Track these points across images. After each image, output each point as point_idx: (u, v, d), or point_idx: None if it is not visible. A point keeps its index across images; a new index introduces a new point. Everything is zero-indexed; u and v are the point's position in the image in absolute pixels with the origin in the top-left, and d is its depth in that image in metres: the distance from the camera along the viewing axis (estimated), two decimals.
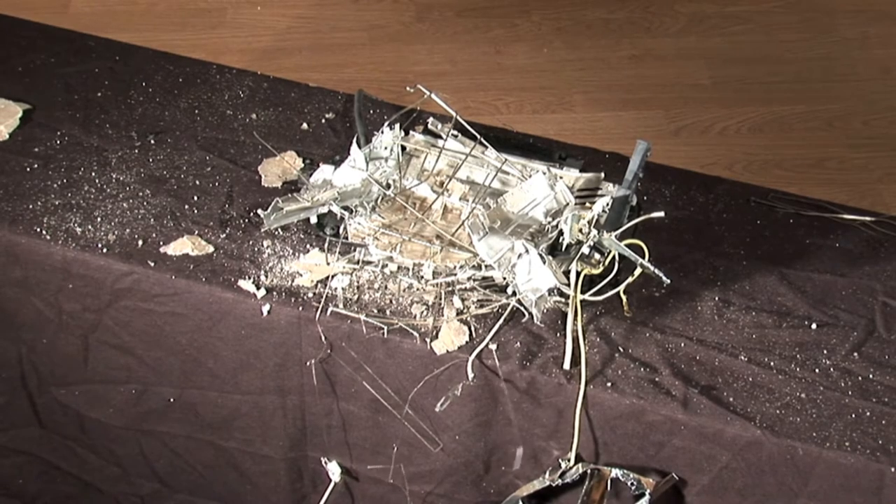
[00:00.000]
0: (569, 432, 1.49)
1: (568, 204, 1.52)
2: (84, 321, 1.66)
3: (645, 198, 1.68)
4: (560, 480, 1.51)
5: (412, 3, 3.30)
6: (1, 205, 1.65)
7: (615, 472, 1.50)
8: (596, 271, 1.46)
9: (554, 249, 1.48)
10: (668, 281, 1.45)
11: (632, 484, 1.49)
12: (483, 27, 3.23)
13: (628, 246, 1.45)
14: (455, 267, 1.51)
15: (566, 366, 1.47)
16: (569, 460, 1.50)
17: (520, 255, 1.45)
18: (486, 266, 1.49)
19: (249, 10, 3.27)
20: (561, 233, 1.48)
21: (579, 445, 1.50)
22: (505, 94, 3.01)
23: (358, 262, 1.54)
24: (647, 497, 1.47)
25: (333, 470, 1.68)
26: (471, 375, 1.47)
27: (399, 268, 1.54)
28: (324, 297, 1.54)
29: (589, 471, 1.51)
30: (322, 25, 3.22)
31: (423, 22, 3.24)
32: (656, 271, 1.44)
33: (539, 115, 2.95)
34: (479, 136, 1.59)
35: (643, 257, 1.44)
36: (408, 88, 1.66)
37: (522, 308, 1.48)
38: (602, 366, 1.49)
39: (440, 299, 1.52)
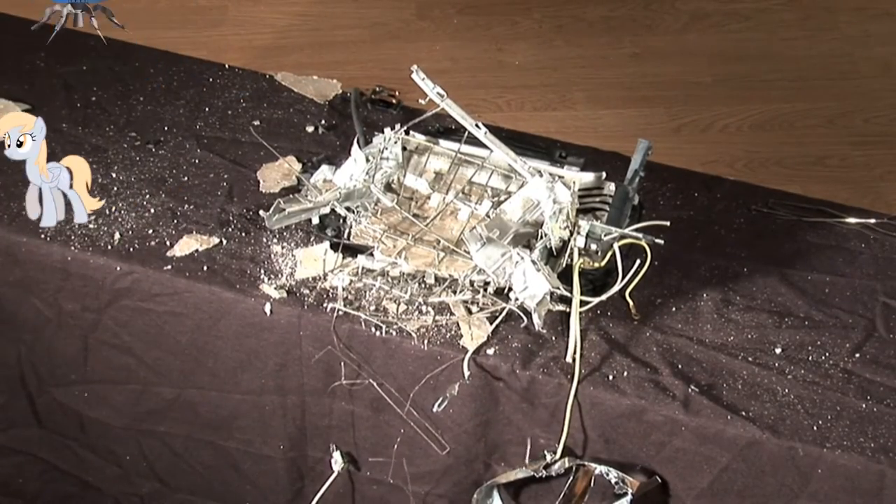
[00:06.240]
0: (570, 432, 1.49)
1: (569, 204, 1.51)
2: (84, 321, 1.66)
3: (646, 197, 1.67)
4: (544, 472, 1.51)
5: (413, 0, 3.30)
6: (1, 205, 1.65)
7: (599, 469, 1.50)
8: (597, 264, 1.46)
9: (551, 252, 1.48)
10: (662, 242, 1.44)
11: (615, 482, 1.49)
12: (484, 25, 3.23)
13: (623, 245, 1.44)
14: (455, 268, 1.50)
15: (569, 358, 1.47)
16: (554, 453, 1.50)
17: (516, 263, 1.44)
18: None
19: (250, 8, 3.26)
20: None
21: (581, 445, 1.50)
22: (506, 91, 3.00)
23: (358, 263, 1.54)
24: (628, 497, 1.47)
25: (336, 459, 1.66)
26: (466, 374, 1.47)
27: (399, 268, 1.53)
28: (324, 296, 1.54)
29: (574, 466, 1.51)
30: (323, 23, 3.21)
31: (424, 19, 3.24)
32: (645, 236, 1.43)
33: (540, 112, 2.95)
34: (480, 136, 1.59)
35: (642, 254, 1.44)
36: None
37: (523, 315, 1.47)
38: (602, 365, 1.48)
39: (440, 299, 1.52)
